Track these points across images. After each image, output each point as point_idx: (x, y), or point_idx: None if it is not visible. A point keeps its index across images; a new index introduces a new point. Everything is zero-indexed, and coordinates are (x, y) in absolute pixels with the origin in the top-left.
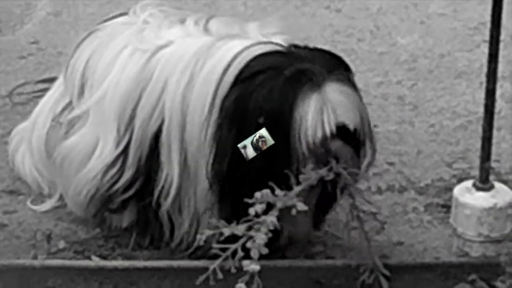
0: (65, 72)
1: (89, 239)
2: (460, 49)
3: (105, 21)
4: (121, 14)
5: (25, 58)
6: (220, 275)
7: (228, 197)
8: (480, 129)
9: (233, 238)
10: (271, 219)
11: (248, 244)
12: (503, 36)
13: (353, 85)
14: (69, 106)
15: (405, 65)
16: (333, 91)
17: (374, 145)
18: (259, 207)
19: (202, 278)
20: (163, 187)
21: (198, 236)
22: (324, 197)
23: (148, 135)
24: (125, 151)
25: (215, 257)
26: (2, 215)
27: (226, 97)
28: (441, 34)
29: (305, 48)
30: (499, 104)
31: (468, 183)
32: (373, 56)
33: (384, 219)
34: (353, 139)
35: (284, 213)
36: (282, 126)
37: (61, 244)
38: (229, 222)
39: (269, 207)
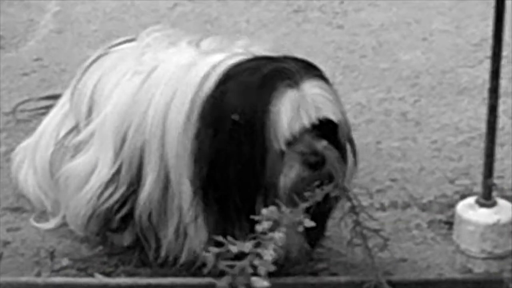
0: (71, 95)
1: (92, 257)
2: (463, 65)
3: (114, 46)
4: (129, 40)
5: (28, 75)
6: None
7: (213, 202)
8: (483, 145)
9: (239, 255)
10: (279, 235)
11: (256, 262)
12: (506, 52)
13: (330, 84)
14: (75, 129)
15: (408, 81)
16: (312, 87)
17: (355, 148)
18: (266, 224)
19: None
20: (145, 203)
21: (203, 254)
22: (317, 210)
23: (136, 152)
24: (119, 171)
25: (221, 274)
26: (6, 232)
27: (204, 102)
28: (444, 50)
29: (284, 56)
30: (502, 120)
31: (471, 200)
32: (376, 73)
33: (387, 235)
34: (335, 138)
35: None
36: (257, 122)
37: (65, 262)
38: (217, 229)
39: (275, 223)
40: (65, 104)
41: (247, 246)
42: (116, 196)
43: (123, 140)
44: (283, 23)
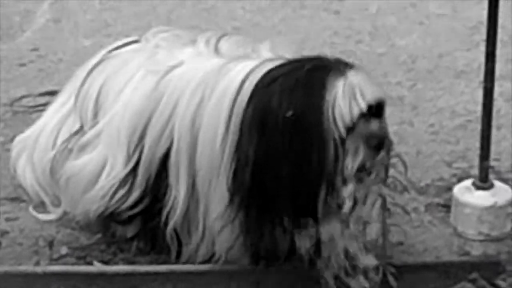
0: (76, 99)
1: (91, 245)
2: (459, 49)
3: (117, 48)
4: (133, 42)
5: (25, 66)
6: None
7: (254, 205)
8: (479, 128)
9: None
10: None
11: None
12: (502, 35)
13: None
14: (79, 132)
15: (404, 65)
16: (356, 74)
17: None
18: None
19: None
20: (171, 208)
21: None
22: None
23: (157, 156)
24: (134, 170)
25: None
26: (5, 222)
27: (245, 109)
28: (440, 34)
29: (313, 56)
30: (498, 103)
31: (468, 182)
32: (372, 57)
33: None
34: (382, 115)
35: None
36: (312, 116)
37: (63, 250)
38: (253, 233)
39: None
40: (64, 104)
41: (335, 227)
42: (131, 198)
43: (138, 141)
44: (279, 9)
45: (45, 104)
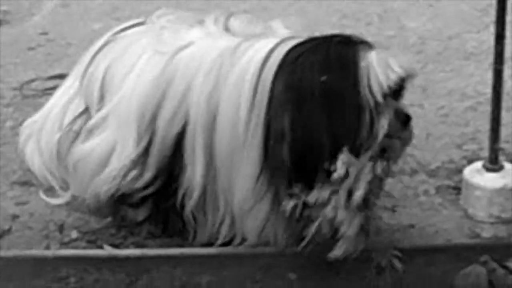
0: (81, 81)
1: (101, 229)
2: (469, 31)
3: (122, 30)
4: (138, 24)
5: (34, 49)
6: None
7: (294, 178)
8: (489, 110)
9: None
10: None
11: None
12: (511, 17)
13: None
14: (84, 114)
15: (414, 48)
16: (381, 51)
17: None
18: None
19: None
20: (187, 188)
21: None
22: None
23: (170, 137)
24: (146, 151)
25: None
26: (15, 206)
27: (272, 85)
28: (449, 16)
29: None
30: (508, 85)
31: (478, 165)
32: (382, 40)
33: (395, 202)
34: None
35: None
36: (347, 83)
37: (74, 234)
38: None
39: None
40: (70, 87)
41: (324, 194)
42: (143, 179)
43: (150, 123)
44: None
45: (54, 88)
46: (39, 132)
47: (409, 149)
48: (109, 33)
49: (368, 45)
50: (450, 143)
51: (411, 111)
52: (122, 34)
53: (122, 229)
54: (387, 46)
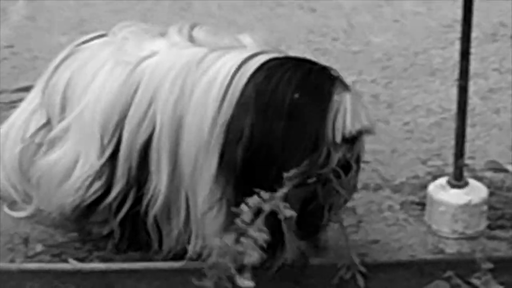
0: (43, 93)
1: (66, 242)
2: (435, 47)
3: (84, 42)
4: (100, 36)
5: (0, 62)
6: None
7: (243, 183)
8: (454, 126)
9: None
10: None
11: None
12: (476, 33)
13: None
14: (46, 126)
15: (379, 63)
16: (357, 98)
17: None
18: (247, 216)
19: None
20: (151, 196)
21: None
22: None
23: (136, 146)
24: (111, 161)
25: None
26: None
27: (244, 89)
28: (415, 32)
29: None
30: (473, 101)
31: (443, 180)
32: (348, 55)
33: (359, 217)
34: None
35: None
36: (320, 106)
37: (39, 248)
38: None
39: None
40: (33, 100)
41: (228, 239)
42: (114, 191)
43: (113, 133)
44: (255, 7)
45: (20, 101)
46: (2, 145)
47: (373, 164)
48: (71, 45)
49: (345, 86)
50: (415, 159)
51: (376, 126)
52: (84, 45)
53: (87, 243)
54: (360, 93)
